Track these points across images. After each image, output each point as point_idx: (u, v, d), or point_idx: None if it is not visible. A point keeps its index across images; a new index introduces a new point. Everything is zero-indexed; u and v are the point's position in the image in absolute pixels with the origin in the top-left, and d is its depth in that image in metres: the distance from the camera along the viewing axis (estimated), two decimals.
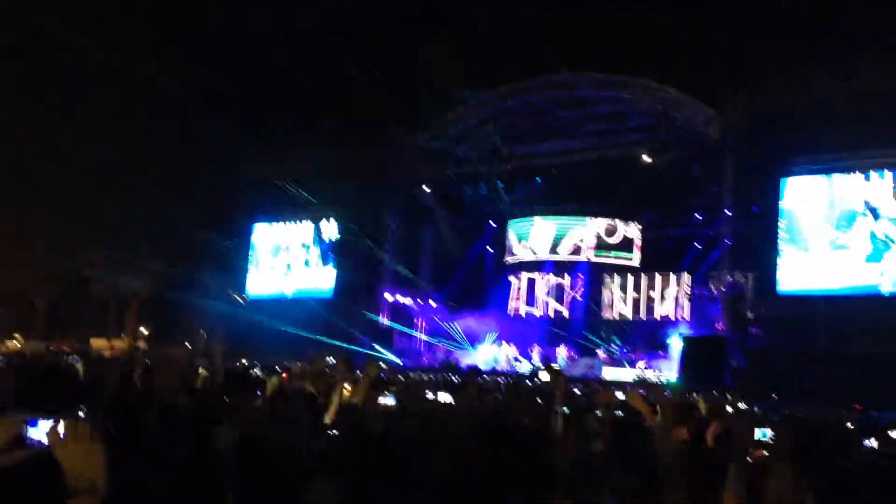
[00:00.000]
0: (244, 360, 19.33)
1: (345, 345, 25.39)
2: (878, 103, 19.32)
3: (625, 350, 25.51)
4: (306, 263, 31.85)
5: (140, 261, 35.55)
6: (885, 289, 19.86)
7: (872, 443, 4.59)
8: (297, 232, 32.52)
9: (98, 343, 34.26)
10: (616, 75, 24.05)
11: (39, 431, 2.32)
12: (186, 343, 31.07)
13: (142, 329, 35.72)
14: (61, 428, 2.08)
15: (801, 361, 18.86)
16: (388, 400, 5.35)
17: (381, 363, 18.66)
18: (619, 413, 5.34)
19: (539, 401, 5.68)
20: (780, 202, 21.83)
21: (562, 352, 26.06)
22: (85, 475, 2.01)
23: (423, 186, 28.79)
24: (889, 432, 5.99)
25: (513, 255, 29.13)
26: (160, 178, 31.29)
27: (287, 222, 32.83)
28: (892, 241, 20.03)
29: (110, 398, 4.30)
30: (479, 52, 27.91)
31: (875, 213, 20.40)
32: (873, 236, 20.35)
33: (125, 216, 30.83)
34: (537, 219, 28.51)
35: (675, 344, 22.96)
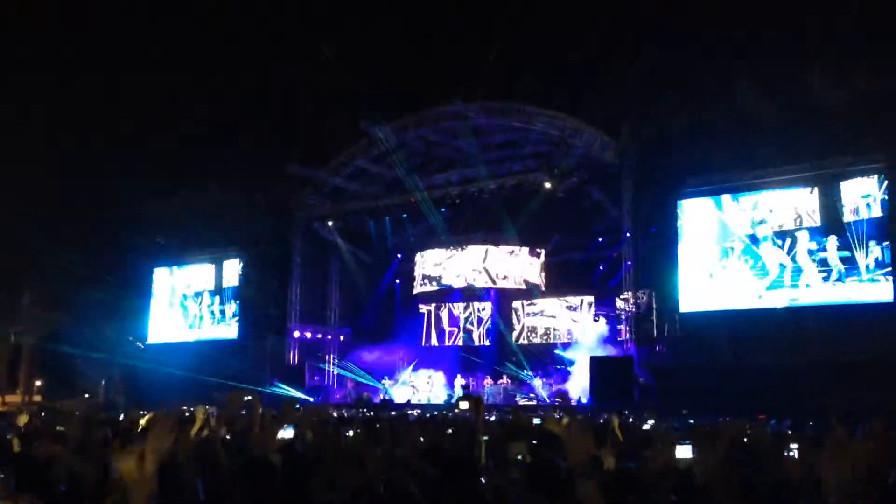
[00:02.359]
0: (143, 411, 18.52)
1: (253, 386, 24.73)
2: (762, 127, 20.28)
3: (535, 373, 25.75)
4: (211, 314, 30.99)
5: (31, 310, 33.87)
6: (780, 305, 20.74)
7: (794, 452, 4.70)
8: (199, 276, 31.66)
9: None
10: (508, 103, 24.46)
11: None
12: (86, 395, 29.72)
13: (36, 382, 33.97)
14: None
15: (705, 375, 19.41)
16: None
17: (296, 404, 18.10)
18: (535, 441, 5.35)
19: (456, 431, 5.64)
20: (677, 223, 22.51)
21: (475, 379, 26.10)
22: None
23: (328, 222, 28.52)
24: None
25: (421, 285, 29.12)
26: (50, 222, 29.98)
27: (188, 266, 31.94)
28: (785, 262, 20.92)
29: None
30: (376, 87, 28.05)
31: (765, 235, 21.31)
32: (764, 257, 21.23)
33: (13, 263, 29.36)
34: (443, 249, 28.62)
35: (584, 365, 23.30)
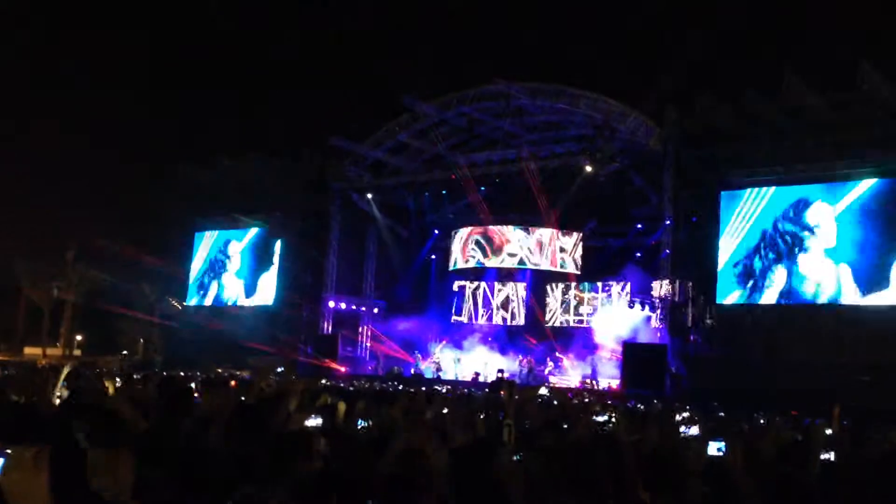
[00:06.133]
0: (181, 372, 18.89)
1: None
2: (809, 122, 19.93)
3: (567, 356, 25.77)
4: (248, 281, 31.32)
5: (73, 268, 34.61)
6: (820, 300, 20.49)
7: (829, 455, 4.61)
8: (239, 243, 32.05)
9: (32, 352, 33.26)
10: (552, 84, 24.21)
11: None
12: (124, 352, 30.43)
13: (77, 337, 34.78)
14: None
15: (739, 369, 19.28)
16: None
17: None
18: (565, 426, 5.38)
19: (488, 414, 5.67)
20: (718, 214, 22.29)
21: (506, 358, 26.18)
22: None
23: (367, 195, 28.60)
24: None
25: (456, 263, 29.17)
26: (95, 183, 30.57)
27: (229, 232, 32.32)
28: (826, 262, 20.63)
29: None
30: (421, 64, 28.01)
31: (811, 230, 21.01)
32: (804, 255, 20.98)
33: (57, 222, 30.05)
34: (480, 228, 28.61)
35: (616, 351, 23.24)
